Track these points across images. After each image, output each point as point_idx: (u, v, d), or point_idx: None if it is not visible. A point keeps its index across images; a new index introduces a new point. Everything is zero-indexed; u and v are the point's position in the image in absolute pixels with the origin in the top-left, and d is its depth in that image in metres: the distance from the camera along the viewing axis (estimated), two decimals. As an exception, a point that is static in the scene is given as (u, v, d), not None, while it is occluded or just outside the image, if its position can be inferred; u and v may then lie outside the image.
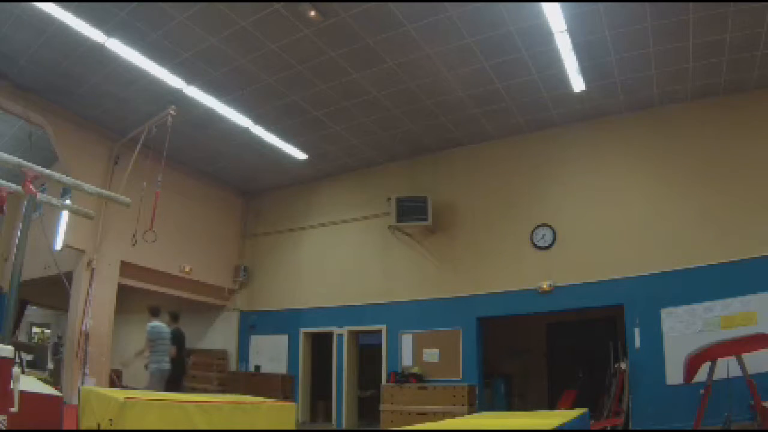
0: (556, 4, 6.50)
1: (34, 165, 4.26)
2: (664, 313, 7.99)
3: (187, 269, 11.34)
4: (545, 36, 7.13)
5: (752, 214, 7.75)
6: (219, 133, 10.14)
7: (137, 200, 7.65)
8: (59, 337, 13.87)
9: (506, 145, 10.12)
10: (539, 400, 10.68)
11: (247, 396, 6.46)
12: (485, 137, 10.17)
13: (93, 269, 9.46)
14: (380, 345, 10.58)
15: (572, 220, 9.17)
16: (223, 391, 11.15)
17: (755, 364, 6.11)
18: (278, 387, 10.84)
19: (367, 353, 11.48)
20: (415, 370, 9.76)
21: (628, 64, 7.76)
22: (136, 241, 8.11)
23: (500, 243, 9.71)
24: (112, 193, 6.75)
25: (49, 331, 17.22)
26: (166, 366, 8.30)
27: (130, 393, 4.72)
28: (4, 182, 5.01)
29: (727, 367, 6.07)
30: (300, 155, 10.96)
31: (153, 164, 8.70)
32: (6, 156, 4.24)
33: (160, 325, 8.58)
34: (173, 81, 8.33)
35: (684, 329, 7.76)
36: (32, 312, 15.50)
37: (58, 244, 9.84)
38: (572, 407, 7.78)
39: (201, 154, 11.13)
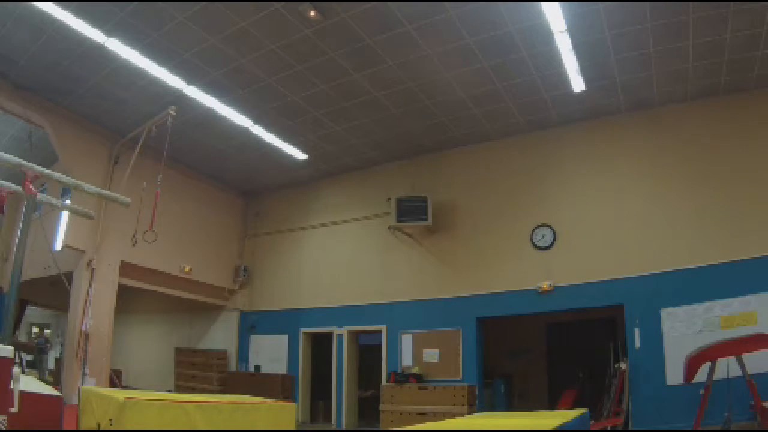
0: (556, 4, 6.50)
1: (34, 165, 4.27)
2: (664, 313, 7.98)
3: (187, 269, 11.34)
4: (545, 36, 7.12)
5: (752, 214, 7.74)
6: (219, 133, 10.13)
7: (137, 200, 7.65)
8: (44, 339, 13.96)
9: (506, 145, 10.12)
10: (539, 400, 10.67)
11: (247, 396, 6.47)
12: (485, 137, 10.17)
13: (93, 269, 9.46)
14: (380, 345, 10.58)
15: (572, 220, 9.16)
16: (223, 391, 11.15)
17: (755, 364, 6.11)
18: (278, 387, 10.83)
19: (367, 353, 11.48)
20: (415, 370, 9.76)
21: (628, 64, 7.76)
22: (136, 241, 8.11)
23: (500, 243, 9.71)
24: (112, 193, 6.77)
25: (48, 331, 17.24)
26: None
27: (130, 393, 4.73)
28: (4, 182, 5.02)
29: (727, 367, 6.08)
30: (300, 155, 10.96)
31: (153, 164, 8.71)
32: (6, 156, 4.26)
33: None
34: (173, 81, 8.33)
35: (684, 329, 7.75)
36: (32, 312, 15.50)
37: (58, 244, 9.83)
38: (572, 407, 7.78)
39: (201, 154, 11.13)
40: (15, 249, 4.87)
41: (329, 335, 11.23)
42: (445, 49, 7.52)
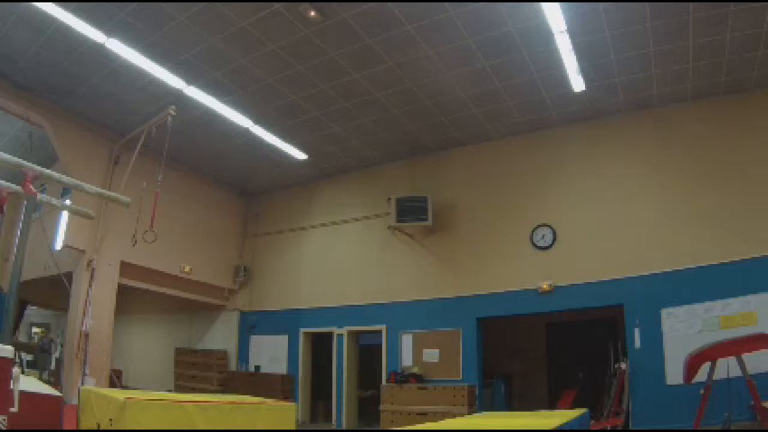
0: (556, 4, 6.50)
1: (34, 165, 4.28)
2: (664, 313, 7.98)
3: (187, 269, 11.34)
4: (545, 36, 7.13)
5: (752, 214, 7.75)
6: (219, 134, 10.13)
7: (137, 200, 7.65)
8: (49, 339, 13.96)
9: (506, 145, 10.12)
10: (539, 400, 10.67)
11: (247, 396, 6.47)
12: (485, 137, 10.16)
13: (93, 269, 9.46)
14: (380, 345, 10.57)
15: (572, 220, 9.16)
16: (223, 391, 11.15)
17: (755, 364, 6.10)
18: (278, 387, 10.83)
19: (367, 353, 11.47)
20: (415, 370, 9.75)
21: (628, 64, 7.76)
22: (136, 241, 8.10)
23: (500, 243, 9.71)
24: (112, 193, 6.77)
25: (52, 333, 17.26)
26: None
27: (130, 393, 4.73)
28: (4, 182, 5.02)
29: (727, 367, 6.07)
30: (300, 155, 10.96)
31: (153, 164, 8.70)
32: (6, 156, 4.26)
33: None
34: (173, 81, 8.33)
35: (684, 329, 7.75)
36: (32, 312, 15.51)
37: (58, 244, 9.84)
38: (572, 407, 7.79)
39: (201, 154, 11.12)
40: (15, 249, 4.87)
41: (329, 335, 11.23)
42: (445, 49, 7.52)
